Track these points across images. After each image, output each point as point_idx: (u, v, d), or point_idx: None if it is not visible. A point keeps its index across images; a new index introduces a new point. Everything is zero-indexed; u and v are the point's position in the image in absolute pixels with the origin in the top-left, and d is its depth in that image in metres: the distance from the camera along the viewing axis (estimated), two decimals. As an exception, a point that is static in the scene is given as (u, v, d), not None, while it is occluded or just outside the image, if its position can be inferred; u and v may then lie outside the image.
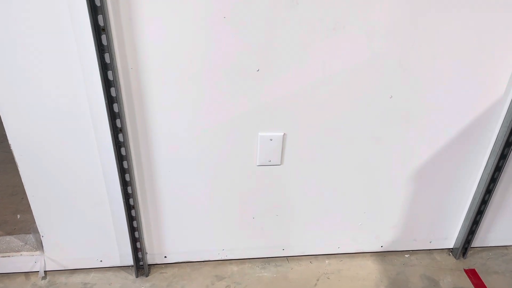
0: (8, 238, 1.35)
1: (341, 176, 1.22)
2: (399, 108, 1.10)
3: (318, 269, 1.37)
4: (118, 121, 1.03)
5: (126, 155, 1.09)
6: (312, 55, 0.99)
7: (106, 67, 0.95)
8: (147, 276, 1.33)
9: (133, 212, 1.20)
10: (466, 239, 1.36)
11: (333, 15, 0.94)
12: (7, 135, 1.06)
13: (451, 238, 1.40)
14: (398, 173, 1.23)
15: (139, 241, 1.27)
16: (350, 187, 1.25)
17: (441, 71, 1.05)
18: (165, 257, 1.34)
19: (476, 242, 1.42)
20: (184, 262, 1.37)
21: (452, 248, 1.43)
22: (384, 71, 1.03)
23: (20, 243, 1.33)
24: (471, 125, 1.15)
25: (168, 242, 1.31)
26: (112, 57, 0.94)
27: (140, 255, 1.30)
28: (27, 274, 1.32)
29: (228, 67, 0.99)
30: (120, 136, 1.06)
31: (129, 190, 1.16)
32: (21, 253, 1.30)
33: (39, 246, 1.28)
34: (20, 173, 1.12)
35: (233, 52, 0.97)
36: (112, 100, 1.00)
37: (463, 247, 1.38)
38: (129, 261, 1.32)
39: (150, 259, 1.34)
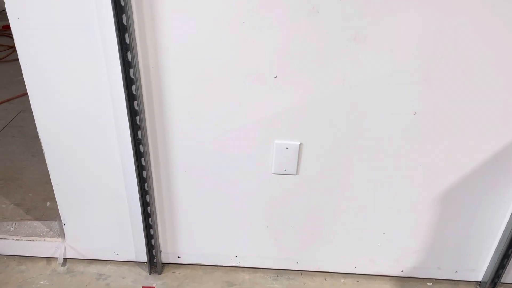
0: (35, 223, 1.43)
1: (359, 193, 1.19)
2: (424, 126, 1.06)
3: (332, 287, 1.33)
4: (137, 118, 1.07)
5: (144, 152, 1.12)
6: (331, 65, 0.98)
7: (128, 65, 0.99)
8: (159, 274, 1.35)
9: (149, 209, 1.23)
10: (495, 273, 1.27)
11: (354, 24, 0.93)
12: (36, 125, 1.12)
13: (479, 270, 1.32)
14: (422, 194, 1.18)
15: (153, 239, 1.30)
16: (368, 205, 1.21)
17: (471, 89, 1.00)
18: (179, 257, 1.36)
19: (508, 278, 1.32)
20: (198, 265, 1.38)
21: (480, 282, 1.34)
22: (408, 86, 1.00)
23: (45, 229, 1.41)
24: (504, 149, 1.08)
25: (183, 242, 1.33)
26: (133, 56, 0.97)
27: (154, 253, 1.33)
28: (48, 259, 1.39)
29: (246, 72, 1.00)
30: (139, 133, 1.09)
31: (146, 187, 1.18)
32: (44, 238, 1.37)
33: (62, 233, 1.35)
34: (46, 161, 1.19)
35: (251, 57, 0.98)
36: (132, 97, 1.04)
37: (492, 282, 1.29)
38: (144, 257, 1.35)
39: (164, 258, 1.36)
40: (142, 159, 1.14)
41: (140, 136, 1.10)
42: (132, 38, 0.96)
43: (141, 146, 1.11)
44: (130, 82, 1.01)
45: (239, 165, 1.16)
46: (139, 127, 1.08)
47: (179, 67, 1.01)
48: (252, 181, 1.18)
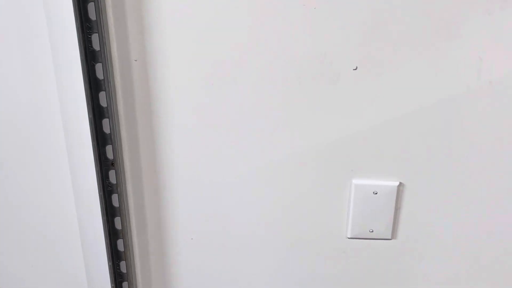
0: None
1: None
2: None
3: None
4: (109, 149, 1.03)
5: (120, 207, 1.08)
6: (458, 46, 0.93)
7: (93, 57, 0.94)
8: None
9: (129, 307, 1.20)
10: None
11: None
12: None
13: None
14: None
15: None
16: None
17: None
18: None
19: None
20: None
21: None
22: None
23: None
24: None
25: None
26: (104, 41, 0.93)
27: None
28: None
29: (303, 61, 0.96)
30: (111, 174, 1.05)
31: (123, 267, 1.15)
32: None
33: None
34: None
35: (309, 36, 0.94)
36: (100, 114, 0.99)
37: None
38: None
39: None
40: (117, 220, 1.10)
41: (113, 179, 1.06)
42: (100, 9, 0.91)
43: (114, 196, 1.08)
44: (96, 87, 0.97)
45: (288, 225, 1.12)
46: (112, 164, 1.05)
47: (183, 58, 0.97)
48: (311, 253, 1.15)
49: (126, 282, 1.15)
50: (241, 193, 1.10)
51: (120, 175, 1.06)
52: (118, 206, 1.09)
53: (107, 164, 1.04)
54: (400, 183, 1.07)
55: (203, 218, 1.14)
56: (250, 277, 1.20)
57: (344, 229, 1.13)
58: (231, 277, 1.20)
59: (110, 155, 1.04)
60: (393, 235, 1.13)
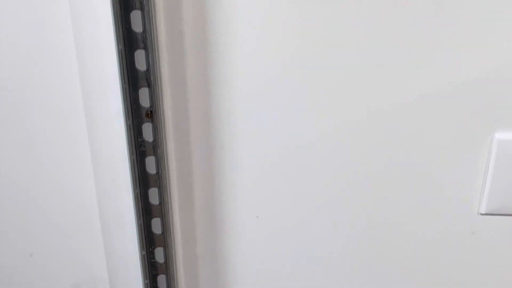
0: None
1: None
2: None
3: None
4: (151, 172, 0.95)
5: (167, 256, 1.01)
6: None
7: (131, 43, 0.85)
8: None
9: None
10: None
11: None
12: None
13: None
14: None
15: None
16: None
17: None
18: None
19: None
20: None
21: None
22: None
23: None
24: None
25: None
26: (149, 19, 0.83)
27: None
28: None
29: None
30: (156, 206, 0.98)
31: None
32: None
33: None
34: None
35: None
36: (138, 119, 0.91)
37: None
38: None
39: None
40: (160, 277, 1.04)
41: (157, 215, 0.98)
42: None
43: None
44: (135, 82, 0.88)
45: (398, 201, 1.01)
46: (160, 196, 0.96)
47: (260, 41, 0.88)
48: (429, 234, 1.05)
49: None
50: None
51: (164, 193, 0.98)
52: (163, 262, 1.02)
53: (145, 196, 0.96)
54: None
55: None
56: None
57: (477, 202, 1.00)
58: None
59: (157, 184, 0.96)
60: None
